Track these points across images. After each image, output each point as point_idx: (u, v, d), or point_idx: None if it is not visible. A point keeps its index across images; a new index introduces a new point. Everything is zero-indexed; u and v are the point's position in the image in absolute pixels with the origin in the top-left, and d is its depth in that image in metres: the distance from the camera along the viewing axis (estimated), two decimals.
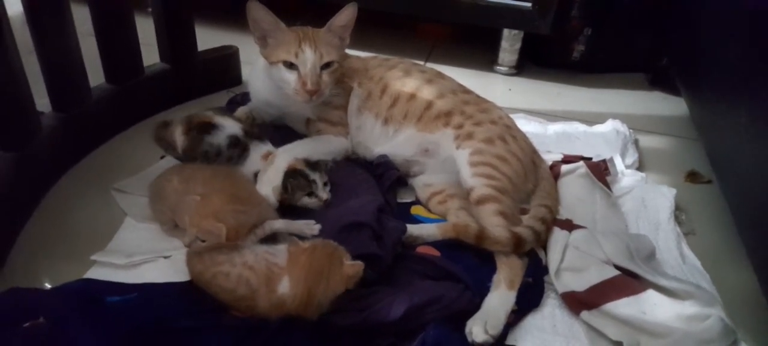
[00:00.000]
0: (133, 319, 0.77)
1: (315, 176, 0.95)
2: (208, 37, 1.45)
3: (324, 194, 0.95)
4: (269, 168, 0.96)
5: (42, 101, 1.06)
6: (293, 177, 0.94)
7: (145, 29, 1.28)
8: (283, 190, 0.93)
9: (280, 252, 0.81)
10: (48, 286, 0.84)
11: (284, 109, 1.08)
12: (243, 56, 1.46)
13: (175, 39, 1.33)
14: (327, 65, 1.00)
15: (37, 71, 1.05)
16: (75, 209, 1.01)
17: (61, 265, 0.87)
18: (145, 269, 0.87)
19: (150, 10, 1.31)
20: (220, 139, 0.97)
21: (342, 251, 0.79)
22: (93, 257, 0.88)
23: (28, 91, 0.98)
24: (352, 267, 0.76)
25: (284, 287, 0.77)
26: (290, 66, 0.99)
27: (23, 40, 0.99)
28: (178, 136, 0.99)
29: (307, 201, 0.95)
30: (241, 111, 1.16)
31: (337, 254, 0.77)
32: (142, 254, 0.89)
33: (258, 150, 0.99)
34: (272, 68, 1.01)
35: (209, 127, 0.98)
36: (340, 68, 1.04)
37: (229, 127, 0.99)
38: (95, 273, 0.86)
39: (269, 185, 0.93)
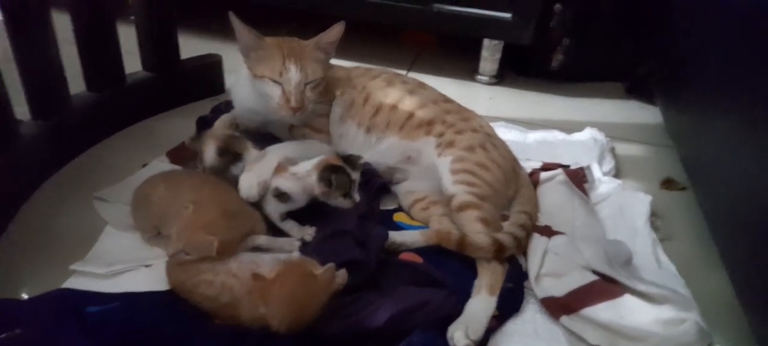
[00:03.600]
0: (114, 329, 0.76)
1: (355, 176, 0.92)
2: (191, 46, 1.44)
3: (356, 195, 0.92)
4: (259, 163, 0.95)
5: (21, 109, 1.05)
6: (336, 172, 0.90)
7: (128, 37, 1.27)
8: (324, 185, 0.90)
9: (265, 262, 0.81)
10: (26, 296, 0.83)
11: (268, 117, 1.08)
12: (226, 65, 1.45)
13: (158, 47, 1.32)
14: (310, 82, 1.00)
15: (16, 79, 1.03)
16: (55, 217, 0.99)
17: (40, 274, 0.86)
18: (126, 278, 0.86)
19: (132, 17, 1.30)
20: (239, 170, 0.96)
21: (310, 264, 0.76)
22: (72, 267, 0.86)
23: (6, 98, 0.97)
24: (325, 273, 0.75)
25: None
26: (273, 81, 0.99)
27: (2, 47, 0.98)
28: (209, 153, 0.98)
29: (341, 201, 0.92)
30: (224, 118, 1.15)
31: (306, 271, 0.75)
32: (122, 262, 0.88)
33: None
34: (256, 80, 1.01)
35: (239, 158, 0.97)
36: (323, 82, 1.04)
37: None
38: (75, 282, 0.85)
39: (256, 179, 0.92)
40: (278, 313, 0.72)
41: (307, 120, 1.08)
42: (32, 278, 0.86)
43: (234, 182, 0.95)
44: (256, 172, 0.93)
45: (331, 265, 0.75)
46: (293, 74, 0.97)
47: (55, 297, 0.80)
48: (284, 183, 0.93)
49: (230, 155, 0.97)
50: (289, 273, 0.74)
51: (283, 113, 1.00)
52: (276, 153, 0.98)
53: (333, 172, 0.90)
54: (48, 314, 0.76)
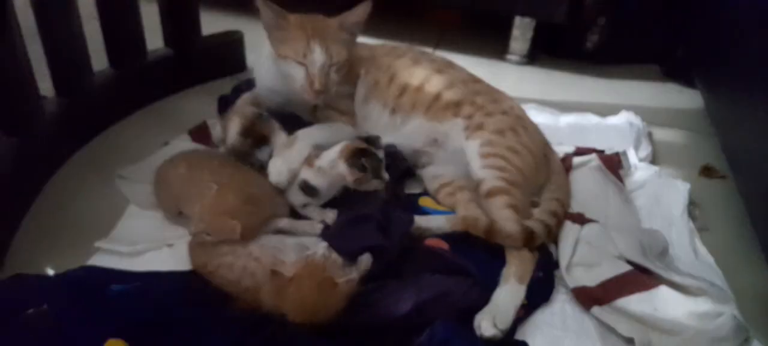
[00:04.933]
0: (137, 308, 0.77)
1: (381, 155, 0.90)
2: (212, 22, 1.43)
3: (386, 174, 0.90)
4: (289, 149, 0.93)
5: (45, 86, 1.05)
6: (367, 157, 0.88)
7: (150, 13, 1.26)
8: (358, 170, 0.88)
9: (288, 247, 0.80)
10: (51, 273, 0.84)
11: (289, 97, 1.05)
12: (248, 42, 1.44)
13: (180, 23, 1.31)
14: (334, 64, 0.97)
15: (40, 55, 1.04)
16: (78, 195, 1.00)
17: (64, 252, 0.87)
18: (149, 257, 0.87)
19: None
20: (265, 155, 0.95)
21: (332, 268, 0.75)
22: (97, 244, 0.87)
23: (31, 75, 0.97)
24: (346, 285, 0.74)
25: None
26: (298, 62, 0.96)
27: (26, 24, 0.97)
28: (233, 131, 0.96)
29: (373, 184, 0.90)
30: (246, 97, 1.14)
31: (326, 277, 0.73)
32: (145, 241, 0.89)
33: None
34: (279, 60, 0.99)
35: (265, 141, 0.96)
36: (347, 64, 1.00)
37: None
38: (98, 260, 0.86)
39: (286, 166, 0.91)
40: (291, 312, 0.72)
41: (331, 102, 1.05)
42: (56, 255, 0.87)
43: (258, 166, 0.94)
44: (287, 158, 0.92)
45: (353, 277, 0.74)
46: (317, 56, 0.94)
47: (81, 275, 0.81)
48: (313, 177, 0.91)
49: (254, 137, 0.96)
50: (308, 275, 0.73)
51: (306, 96, 0.98)
52: (306, 139, 0.96)
53: (362, 156, 0.88)
54: (74, 291, 0.78)
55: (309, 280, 0.72)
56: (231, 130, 0.97)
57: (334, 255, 0.77)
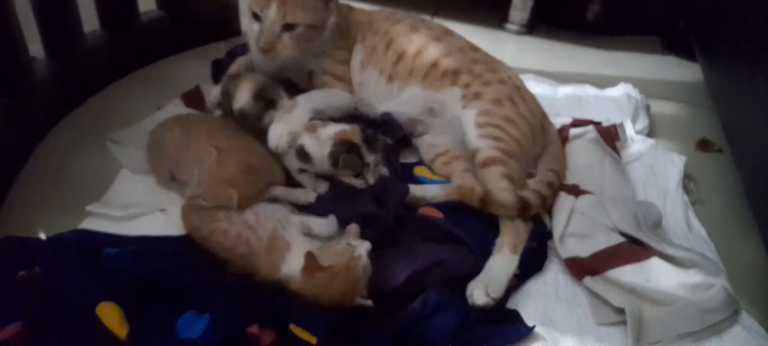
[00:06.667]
0: (130, 272, 0.77)
1: (370, 159, 0.87)
2: None
3: (371, 177, 0.88)
4: (290, 113, 0.92)
5: (34, 47, 1.03)
6: (348, 152, 0.85)
7: None
8: (331, 161, 0.86)
9: (292, 223, 0.80)
10: (43, 236, 0.83)
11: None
12: (242, 5, 1.41)
13: None
14: (290, 27, 0.94)
15: (30, 15, 1.02)
16: (69, 158, 0.99)
17: (56, 215, 0.87)
18: (142, 222, 0.87)
19: None
20: (268, 120, 0.93)
21: (362, 284, 0.73)
22: (89, 208, 0.87)
23: (20, 35, 0.95)
24: (363, 305, 0.73)
25: (290, 268, 0.75)
26: (257, 17, 0.94)
27: None
28: (243, 96, 0.94)
29: (351, 180, 0.89)
30: (240, 62, 1.12)
31: (355, 288, 0.73)
32: (138, 206, 0.89)
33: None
34: (250, 14, 0.96)
35: (273, 106, 0.94)
36: (315, 32, 0.97)
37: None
38: (90, 224, 0.85)
39: (287, 130, 0.89)
40: (307, 290, 0.73)
41: (328, 67, 1.04)
42: (48, 219, 0.86)
43: (264, 131, 0.92)
44: (287, 122, 0.91)
45: (369, 303, 0.74)
46: (271, 11, 0.92)
47: (74, 238, 0.81)
48: (309, 144, 0.89)
49: (264, 102, 0.94)
50: (341, 276, 0.72)
51: (255, 53, 0.95)
52: (306, 104, 0.94)
53: (346, 150, 0.85)
54: (66, 253, 0.77)
55: (339, 279, 0.72)
56: (242, 93, 0.95)
57: (369, 266, 0.75)
